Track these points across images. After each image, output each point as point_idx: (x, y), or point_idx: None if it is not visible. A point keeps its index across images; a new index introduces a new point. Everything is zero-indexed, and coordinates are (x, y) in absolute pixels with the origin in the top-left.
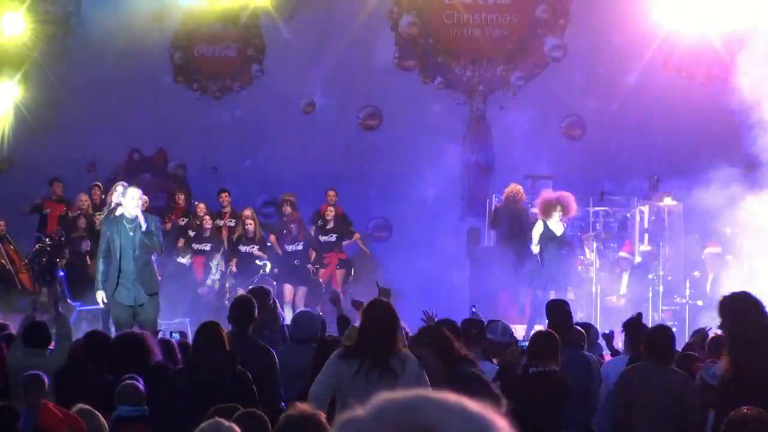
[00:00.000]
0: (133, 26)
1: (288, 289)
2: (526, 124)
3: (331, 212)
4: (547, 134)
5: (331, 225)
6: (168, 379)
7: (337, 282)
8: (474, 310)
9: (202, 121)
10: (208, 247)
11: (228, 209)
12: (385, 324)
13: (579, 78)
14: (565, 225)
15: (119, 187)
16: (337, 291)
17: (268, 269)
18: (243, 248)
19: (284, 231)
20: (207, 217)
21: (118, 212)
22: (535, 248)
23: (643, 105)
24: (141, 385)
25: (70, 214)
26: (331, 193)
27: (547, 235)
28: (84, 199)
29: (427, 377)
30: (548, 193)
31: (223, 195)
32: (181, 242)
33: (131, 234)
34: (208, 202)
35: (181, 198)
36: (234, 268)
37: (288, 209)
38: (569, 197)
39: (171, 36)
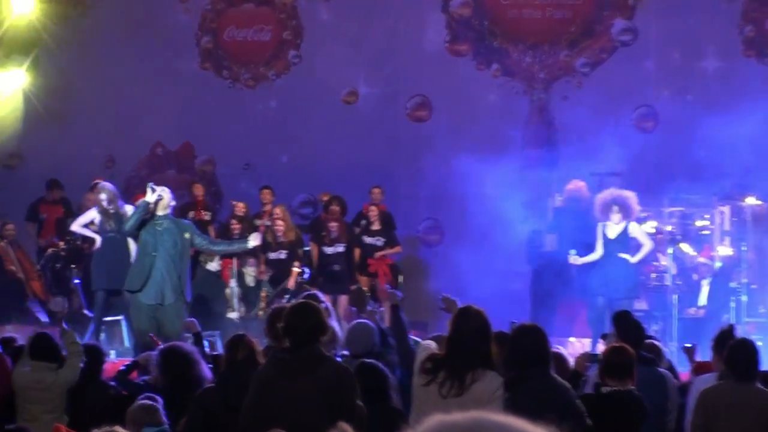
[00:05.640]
0: (155, 6)
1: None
2: (592, 116)
3: (374, 211)
4: (615, 127)
5: (376, 226)
6: (199, 397)
7: (383, 290)
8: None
9: (233, 113)
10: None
11: (269, 208)
12: (471, 336)
13: (651, 64)
14: (627, 225)
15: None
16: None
17: (305, 275)
18: (272, 255)
19: (322, 232)
20: (234, 220)
21: (158, 211)
22: (597, 252)
23: (723, 94)
24: (158, 404)
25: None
26: (376, 190)
27: (603, 238)
28: (91, 198)
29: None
30: (604, 193)
31: (265, 192)
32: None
33: (159, 229)
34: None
35: (199, 190)
36: (264, 277)
37: (336, 208)
38: (626, 195)
39: (198, 17)
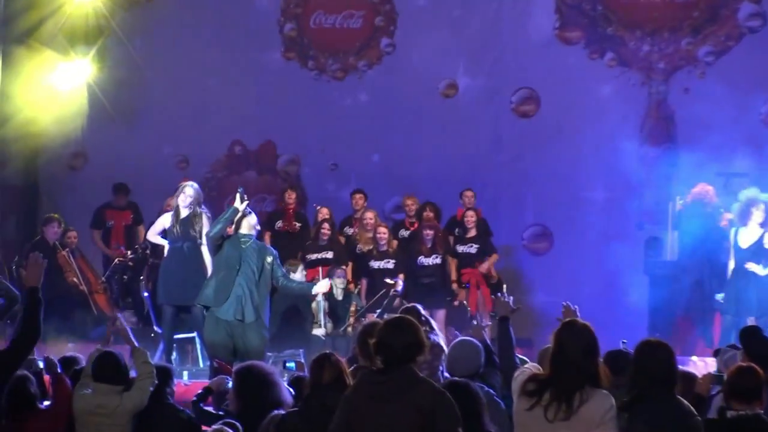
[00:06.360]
0: None
1: None
2: (716, 110)
3: (472, 217)
4: (742, 122)
5: (472, 233)
6: (281, 422)
7: (482, 305)
8: (624, 343)
9: (320, 107)
10: (330, 254)
11: (361, 214)
12: (576, 353)
13: None
14: (764, 234)
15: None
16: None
17: (399, 287)
18: (375, 264)
19: (415, 241)
20: (326, 224)
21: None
22: (731, 263)
23: None
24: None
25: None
26: (469, 193)
27: (735, 247)
28: (172, 204)
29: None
30: (745, 193)
31: (357, 196)
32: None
33: (243, 247)
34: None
35: (292, 197)
36: (361, 291)
37: (430, 214)
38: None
39: (281, 2)
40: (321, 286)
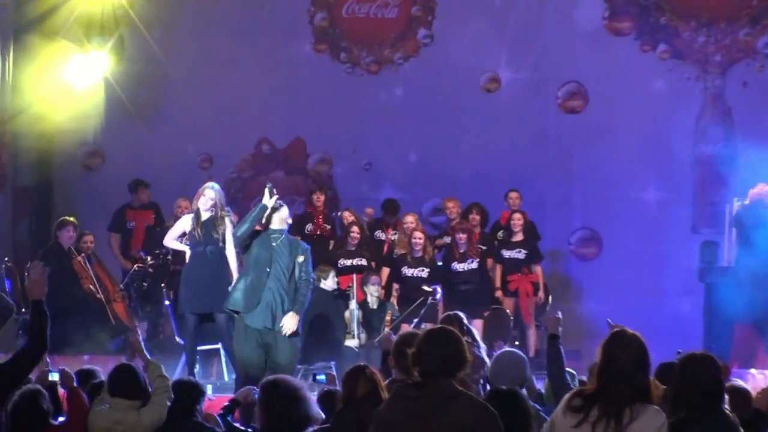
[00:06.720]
0: None
1: None
2: None
3: (519, 220)
4: None
5: (519, 237)
6: None
7: (527, 313)
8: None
9: (353, 103)
10: (363, 261)
11: (398, 223)
12: (626, 366)
13: None
14: None
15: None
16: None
17: (437, 294)
18: (409, 271)
19: (450, 244)
20: (354, 227)
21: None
22: None
23: None
24: None
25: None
26: (514, 194)
27: None
28: (184, 205)
29: None
30: None
31: (393, 216)
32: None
33: (274, 245)
34: (360, 209)
35: (321, 200)
36: (394, 299)
37: (476, 217)
38: None
39: None
40: (289, 325)
